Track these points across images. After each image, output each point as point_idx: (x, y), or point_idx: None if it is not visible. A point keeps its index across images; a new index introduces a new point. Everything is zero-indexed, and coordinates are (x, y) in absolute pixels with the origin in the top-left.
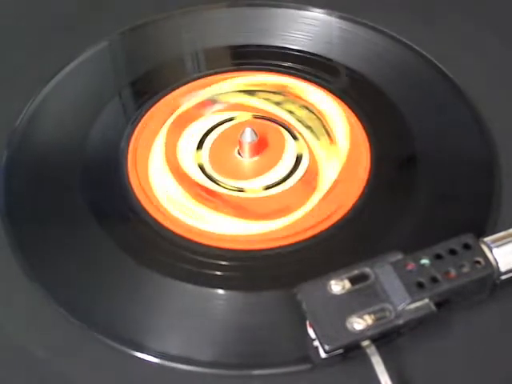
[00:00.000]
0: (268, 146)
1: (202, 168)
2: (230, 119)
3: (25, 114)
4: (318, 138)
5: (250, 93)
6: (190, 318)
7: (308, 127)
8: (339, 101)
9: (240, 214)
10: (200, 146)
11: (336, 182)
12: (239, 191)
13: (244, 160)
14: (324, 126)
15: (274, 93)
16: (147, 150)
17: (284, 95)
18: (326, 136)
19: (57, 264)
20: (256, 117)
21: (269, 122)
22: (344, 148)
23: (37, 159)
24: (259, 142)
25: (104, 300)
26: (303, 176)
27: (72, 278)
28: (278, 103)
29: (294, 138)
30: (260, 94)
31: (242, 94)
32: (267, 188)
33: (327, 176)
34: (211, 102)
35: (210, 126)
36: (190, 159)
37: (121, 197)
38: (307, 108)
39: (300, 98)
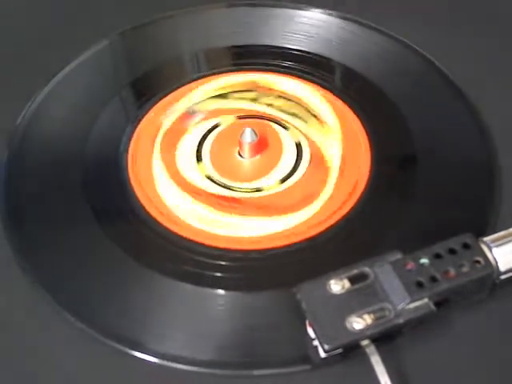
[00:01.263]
0: (267, 143)
1: (211, 179)
2: (216, 126)
3: (25, 113)
4: (306, 122)
5: (223, 96)
6: (190, 318)
7: (293, 114)
8: (321, 90)
9: (264, 213)
10: (199, 158)
11: (343, 157)
12: (256, 191)
13: (247, 160)
14: (307, 110)
15: (246, 91)
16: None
17: (256, 91)
18: (314, 118)
19: (57, 264)
20: (239, 117)
21: (254, 120)
22: (335, 124)
23: (37, 159)
24: (259, 141)
25: (104, 300)
26: (311, 160)
27: (72, 278)
28: (253, 99)
29: (285, 127)
30: (233, 94)
31: (215, 99)
32: (283, 181)
33: (333, 153)
34: (189, 113)
35: (200, 137)
36: (195, 174)
37: (121, 197)
38: (283, 97)
39: (272, 89)
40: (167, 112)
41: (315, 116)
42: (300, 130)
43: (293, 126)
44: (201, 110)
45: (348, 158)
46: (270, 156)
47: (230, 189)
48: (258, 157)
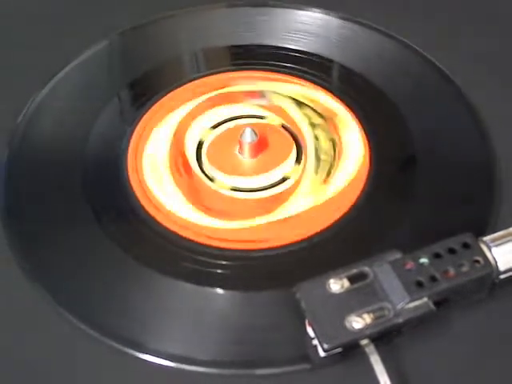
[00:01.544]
0: (268, 147)
1: (200, 144)
2: (261, 117)
3: (25, 113)
4: (316, 173)
5: (298, 103)
6: (190, 317)
7: (318, 159)
8: (349, 110)
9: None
10: (216, 126)
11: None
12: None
13: (247, 160)
14: (331, 166)
15: (318, 114)
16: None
17: (325, 121)
18: (325, 175)
19: (57, 264)
20: (284, 126)
21: (288, 134)
22: (330, 193)
23: (37, 159)
24: (259, 142)
25: (104, 300)
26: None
27: (72, 278)
28: (313, 125)
29: (297, 160)
30: (306, 109)
31: (290, 100)
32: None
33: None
34: (260, 94)
35: (237, 115)
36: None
37: (121, 197)
38: (333, 142)
39: (337, 131)
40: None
41: (328, 174)
42: (302, 173)
43: (304, 165)
44: (269, 98)
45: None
46: (271, 156)
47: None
48: (258, 157)
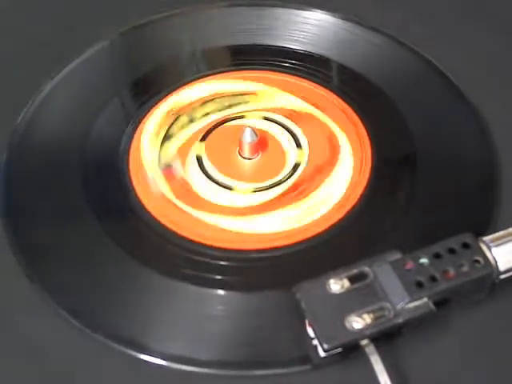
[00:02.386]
0: (267, 147)
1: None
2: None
3: (25, 113)
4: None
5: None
6: (190, 318)
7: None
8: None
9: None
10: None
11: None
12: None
13: (247, 160)
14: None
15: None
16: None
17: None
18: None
19: (57, 264)
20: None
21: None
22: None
23: (37, 159)
24: (259, 142)
25: (104, 300)
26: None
27: (72, 279)
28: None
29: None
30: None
31: (165, 144)
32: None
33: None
34: (166, 168)
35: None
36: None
37: (122, 197)
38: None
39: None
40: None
41: (244, 94)
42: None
43: (247, 111)
44: (171, 160)
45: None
46: (271, 156)
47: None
48: (258, 157)
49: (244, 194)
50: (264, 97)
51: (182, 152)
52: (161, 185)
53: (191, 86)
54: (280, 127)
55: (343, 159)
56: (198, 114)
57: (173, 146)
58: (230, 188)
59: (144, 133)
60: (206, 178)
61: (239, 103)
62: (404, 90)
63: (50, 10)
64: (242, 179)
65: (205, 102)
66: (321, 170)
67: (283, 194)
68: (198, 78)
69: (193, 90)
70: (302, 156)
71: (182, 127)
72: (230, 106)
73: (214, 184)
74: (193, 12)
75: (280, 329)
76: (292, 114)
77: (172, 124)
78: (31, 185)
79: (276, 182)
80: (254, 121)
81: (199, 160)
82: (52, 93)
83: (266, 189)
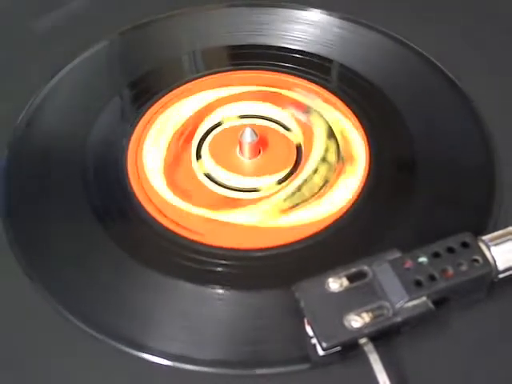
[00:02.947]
0: (268, 145)
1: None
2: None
3: (25, 113)
4: (284, 200)
5: (330, 134)
6: (190, 317)
7: (298, 190)
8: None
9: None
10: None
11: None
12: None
13: (247, 160)
14: (301, 202)
15: (337, 153)
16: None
17: (337, 163)
18: (288, 207)
19: (57, 264)
20: (298, 147)
21: (295, 152)
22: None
23: (37, 159)
24: (259, 142)
25: (104, 299)
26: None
27: (72, 278)
28: (323, 159)
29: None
30: (332, 143)
31: (326, 127)
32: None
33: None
34: (305, 108)
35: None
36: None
37: (121, 196)
38: (324, 184)
39: (337, 175)
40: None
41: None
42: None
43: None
44: (309, 117)
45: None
46: (271, 155)
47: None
48: (258, 157)
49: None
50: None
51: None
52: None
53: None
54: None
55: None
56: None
57: None
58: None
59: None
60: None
61: None
62: (404, 91)
63: (50, 10)
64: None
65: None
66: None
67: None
68: (198, 79)
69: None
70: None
71: None
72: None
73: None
74: (193, 12)
75: (279, 328)
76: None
77: None
78: (31, 185)
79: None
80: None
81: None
82: (52, 93)
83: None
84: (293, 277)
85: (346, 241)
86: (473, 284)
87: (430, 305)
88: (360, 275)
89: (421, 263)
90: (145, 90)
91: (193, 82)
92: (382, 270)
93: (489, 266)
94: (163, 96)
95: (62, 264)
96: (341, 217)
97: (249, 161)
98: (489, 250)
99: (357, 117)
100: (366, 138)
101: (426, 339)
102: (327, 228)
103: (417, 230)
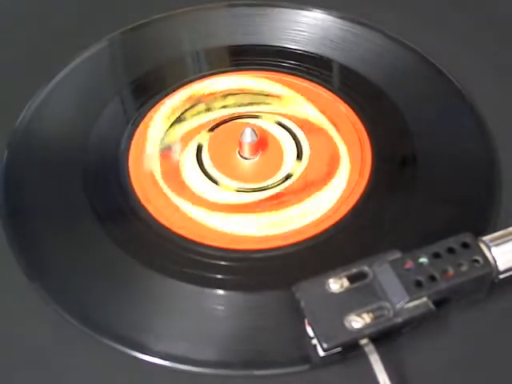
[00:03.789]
0: (267, 146)
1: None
2: (200, 147)
3: (25, 113)
4: (268, 103)
5: (178, 120)
6: (190, 318)
7: (249, 104)
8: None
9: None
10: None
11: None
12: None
13: (247, 160)
14: (259, 94)
15: (193, 106)
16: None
17: (202, 101)
18: (271, 97)
19: (57, 264)
20: (210, 129)
21: (225, 124)
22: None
23: (37, 159)
24: (259, 142)
25: (104, 300)
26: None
27: (72, 278)
28: (207, 109)
29: (256, 117)
30: (185, 115)
31: (174, 126)
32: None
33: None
34: (166, 150)
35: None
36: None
37: (121, 197)
38: (231, 94)
39: (213, 93)
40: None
41: (268, 95)
42: (273, 113)
43: (263, 112)
44: (173, 143)
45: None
46: (272, 155)
47: (215, 182)
48: (258, 157)
49: (226, 191)
50: (287, 102)
51: (187, 137)
52: (153, 164)
53: (219, 77)
54: (289, 135)
55: (340, 175)
56: (217, 104)
57: (181, 129)
58: (216, 182)
59: (158, 114)
60: (198, 167)
61: (260, 103)
62: (404, 91)
63: (50, 9)
64: (231, 176)
65: (228, 95)
66: (311, 185)
67: (262, 201)
68: (198, 79)
69: (220, 80)
70: (296, 169)
71: (197, 114)
72: (250, 104)
73: (203, 175)
74: (193, 12)
75: (279, 328)
76: (305, 125)
77: (188, 109)
78: (31, 185)
79: (260, 187)
80: (267, 123)
81: (199, 148)
82: (52, 93)
83: (248, 191)
84: (293, 277)
85: (346, 241)
86: (473, 284)
87: (431, 305)
88: (360, 276)
89: (421, 264)
90: (145, 90)
91: (193, 82)
92: (383, 271)
93: (489, 266)
94: (163, 96)
95: (61, 264)
96: (341, 217)
97: (243, 161)
98: (489, 250)
99: (357, 116)
100: (367, 138)
101: (427, 339)
102: (328, 229)
103: (417, 230)
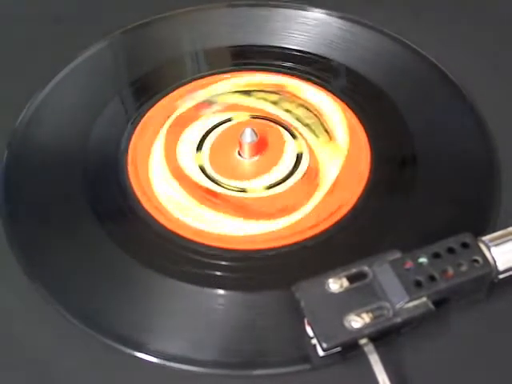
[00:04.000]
0: (268, 146)
1: (202, 169)
2: (228, 120)
3: (25, 113)
4: (317, 136)
5: (247, 93)
6: (190, 317)
7: (306, 125)
8: (339, 101)
9: (242, 214)
10: (200, 147)
11: (338, 179)
12: (241, 191)
13: (244, 160)
14: (322, 124)
15: (270, 92)
16: (147, 150)
17: (280, 94)
18: (325, 134)
19: (57, 264)
20: (254, 117)
21: (267, 122)
22: (344, 145)
23: (37, 159)
24: (259, 142)
25: (104, 300)
26: (304, 174)
27: (72, 278)
28: (274, 102)
29: (294, 136)
30: (256, 93)
31: (238, 94)
32: (269, 187)
33: (329, 173)
34: (208, 103)
35: (208, 128)
36: (190, 161)
37: (121, 197)
38: (304, 107)
39: (297, 96)
40: (185, 98)
41: (327, 131)
42: (307, 142)
43: (302, 136)
44: (219, 102)
45: (342, 181)
46: (267, 161)
47: (216, 183)
48: (255, 158)
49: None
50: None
51: (229, 108)
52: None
53: (317, 89)
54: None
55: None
56: (286, 106)
57: (236, 99)
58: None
59: None
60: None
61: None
62: (404, 90)
63: (50, 9)
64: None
65: (301, 106)
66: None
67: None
68: (198, 79)
69: (315, 93)
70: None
71: (264, 100)
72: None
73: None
74: (193, 12)
75: (279, 328)
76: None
77: (264, 91)
78: (31, 185)
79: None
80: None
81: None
82: (52, 93)
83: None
84: (293, 277)
85: (346, 241)
86: (473, 284)
87: (431, 305)
88: (360, 276)
89: (421, 264)
90: (145, 90)
91: (193, 82)
92: (383, 271)
93: (489, 266)
94: (163, 96)
95: (61, 264)
96: (341, 217)
97: (249, 161)
98: (489, 250)
99: (357, 116)
100: (367, 138)
101: (427, 339)
102: (328, 229)
103: (417, 230)
